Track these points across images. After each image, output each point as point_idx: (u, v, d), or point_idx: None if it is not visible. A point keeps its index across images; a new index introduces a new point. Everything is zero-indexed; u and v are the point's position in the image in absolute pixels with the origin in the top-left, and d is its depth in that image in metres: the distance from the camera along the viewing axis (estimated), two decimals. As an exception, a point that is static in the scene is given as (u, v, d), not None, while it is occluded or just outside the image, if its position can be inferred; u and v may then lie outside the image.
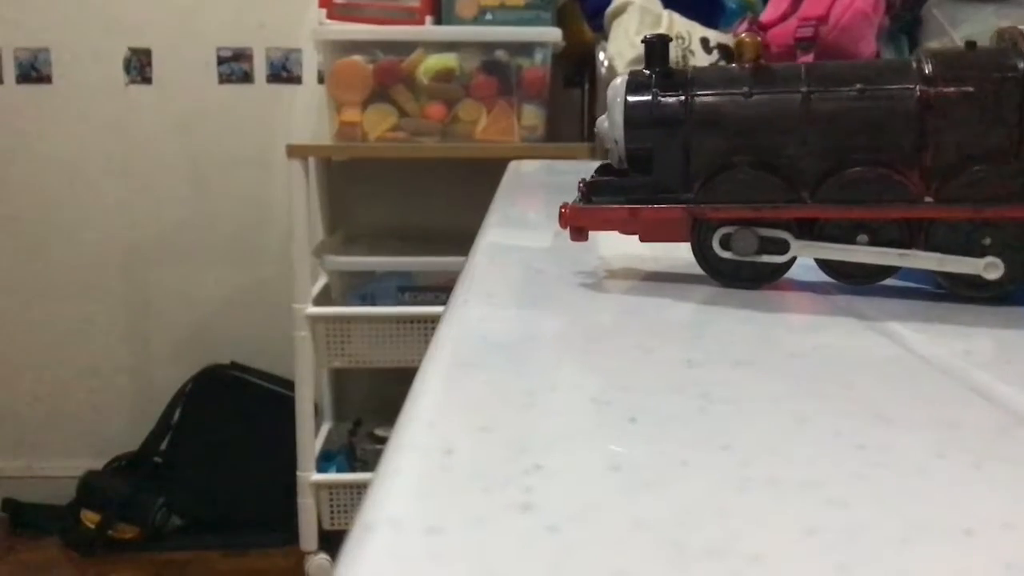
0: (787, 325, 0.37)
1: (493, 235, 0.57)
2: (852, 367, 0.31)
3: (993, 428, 0.25)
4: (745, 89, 0.40)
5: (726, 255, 0.41)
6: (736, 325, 0.37)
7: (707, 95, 0.41)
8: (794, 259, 0.41)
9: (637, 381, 0.28)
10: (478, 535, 0.18)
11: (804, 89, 0.39)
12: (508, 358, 0.30)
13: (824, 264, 0.41)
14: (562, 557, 0.17)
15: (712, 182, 0.41)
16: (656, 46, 0.44)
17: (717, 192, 0.41)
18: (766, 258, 0.41)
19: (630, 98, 0.43)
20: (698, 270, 0.43)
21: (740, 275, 0.42)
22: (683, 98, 0.41)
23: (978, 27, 1.76)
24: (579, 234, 0.44)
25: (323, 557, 1.90)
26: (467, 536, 0.18)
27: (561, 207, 0.44)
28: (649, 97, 0.42)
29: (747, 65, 0.41)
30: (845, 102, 0.39)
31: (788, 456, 0.22)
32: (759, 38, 0.41)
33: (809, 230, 0.40)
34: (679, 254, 0.53)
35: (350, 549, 0.17)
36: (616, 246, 0.58)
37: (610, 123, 0.43)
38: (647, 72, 0.43)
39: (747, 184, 0.40)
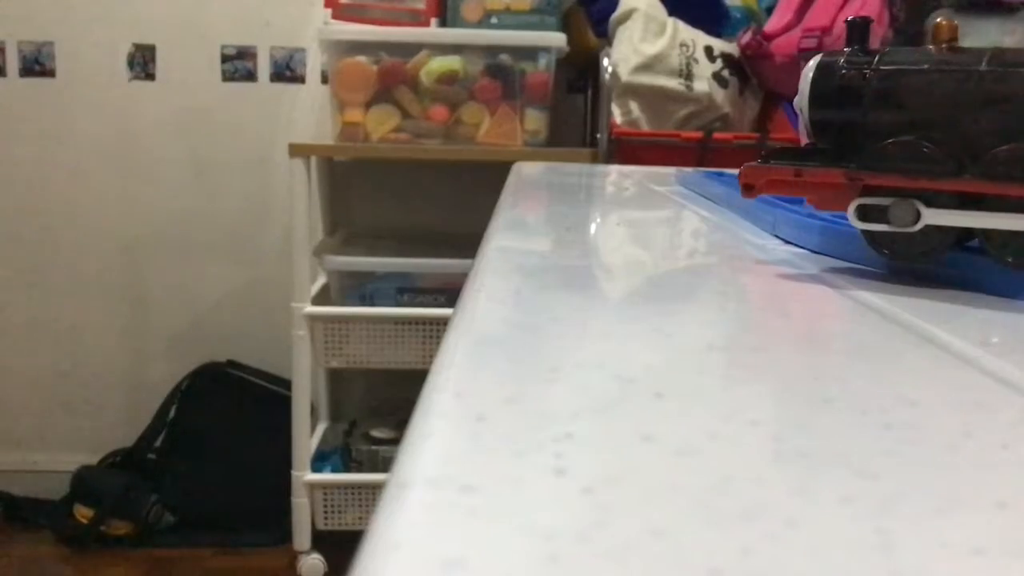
0: (805, 314, 0.37)
1: (502, 230, 0.57)
2: (872, 354, 0.31)
3: (1017, 412, 0.25)
4: (925, 66, 0.41)
5: (861, 225, 0.42)
6: (753, 313, 0.37)
7: (885, 70, 0.42)
8: (958, 239, 0.41)
9: (659, 361, 0.28)
10: (514, 494, 0.18)
11: (983, 68, 0.39)
12: (529, 337, 0.30)
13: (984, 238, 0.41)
14: (599, 515, 0.17)
15: (875, 151, 0.41)
16: (857, 25, 0.45)
17: (877, 160, 0.41)
18: (905, 229, 0.41)
19: (817, 72, 0.44)
20: (701, 267, 0.43)
21: (899, 249, 0.42)
22: (863, 72, 0.43)
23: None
24: (748, 191, 0.46)
25: (316, 557, 1.90)
26: (504, 495, 0.18)
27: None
28: (833, 71, 0.44)
29: (943, 47, 0.42)
30: (1017, 82, 0.39)
31: (816, 432, 0.22)
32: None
33: (977, 207, 0.40)
34: (680, 256, 0.53)
35: (385, 506, 0.17)
36: (619, 249, 0.58)
37: (799, 95, 0.45)
38: (844, 50, 0.45)
39: (905, 154, 0.41)
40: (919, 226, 0.40)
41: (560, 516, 0.17)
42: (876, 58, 0.43)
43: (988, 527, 0.18)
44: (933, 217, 0.40)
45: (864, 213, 0.42)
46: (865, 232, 0.43)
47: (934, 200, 0.40)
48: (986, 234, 0.40)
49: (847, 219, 0.48)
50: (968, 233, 0.41)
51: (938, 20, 0.42)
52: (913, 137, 0.40)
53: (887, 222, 0.41)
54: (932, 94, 0.41)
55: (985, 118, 0.39)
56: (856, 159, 0.42)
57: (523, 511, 0.17)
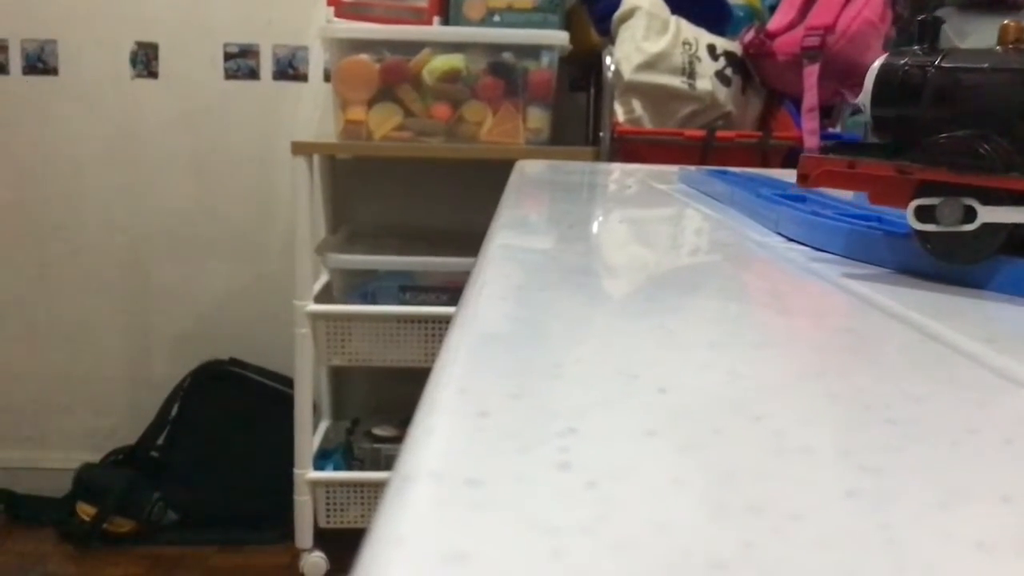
0: (807, 311, 0.37)
1: (505, 228, 0.57)
2: (876, 352, 0.31)
3: (1021, 407, 0.25)
4: (984, 65, 0.41)
5: (918, 226, 0.41)
6: (756, 310, 0.37)
7: (946, 67, 0.42)
8: (1006, 236, 0.40)
9: (662, 357, 0.28)
10: (519, 488, 0.18)
11: None
12: (533, 333, 0.30)
13: None
14: (603, 509, 0.17)
15: (927, 145, 0.41)
16: (928, 24, 0.45)
17: (928, 154, 0.41)
18: (958, 227, 0.40)
19: (881, 69, 0.45)
20: (704, 265, 0.43)
21: (953, 251, 0.41)
22: (924, 70, 0.43)
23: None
24: (803, 180, 0.46)
25: (318, 555, 1.90)
26: (508, 489, 0.18)
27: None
28: (896, 68, 0.44)
29: (1010, 46, 0.42)
30: None
31: (820, 427, 0.22)
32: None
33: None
34: (683, 253, 0.53)
35: (389, 500, 0.17)
36: (622, 247, 0.58)
37: (863, 91, 0.45)
38: (912, 48, 0.45)
39: (956, 150, 0.40)
40: (976, 224, 0.40)
41: (564, 510, 0.17)
42: (939, 57, 0.43)
43: (992, 521, 0.18)
44: (989, 215, 0.39)
45: (920, 215, 0.41)
46: (919, 235, 0.42)
47: (987, 199, 0.40)
48: None
49: (851, 216, 0.48)
50: (1014, 236, 0.40)
51: (1005, 22, 0.42)
52: (966, 133, 0.40)
53: (935, 221, 0.41)
54: (987, 92, 0.41)
55: None
56: (911, 154, 0.42)
57: (527, 505, 0.17)
